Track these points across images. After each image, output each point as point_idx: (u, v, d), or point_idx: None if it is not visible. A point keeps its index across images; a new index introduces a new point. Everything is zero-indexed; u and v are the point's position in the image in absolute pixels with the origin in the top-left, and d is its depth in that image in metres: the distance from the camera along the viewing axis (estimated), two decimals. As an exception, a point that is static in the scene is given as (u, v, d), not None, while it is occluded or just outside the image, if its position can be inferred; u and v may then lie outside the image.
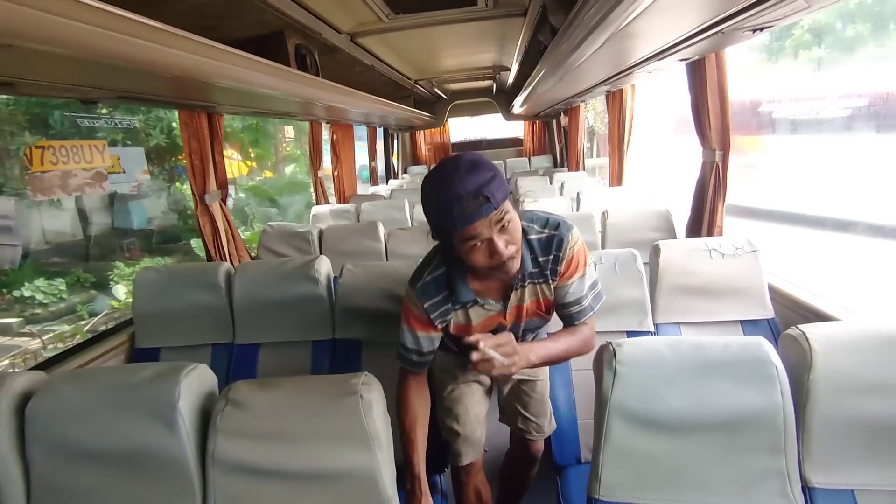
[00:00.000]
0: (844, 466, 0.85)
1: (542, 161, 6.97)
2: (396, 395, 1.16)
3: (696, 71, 1.98)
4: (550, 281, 1.10)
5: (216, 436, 0.90)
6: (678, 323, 1.63)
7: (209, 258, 2.35)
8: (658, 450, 0.88)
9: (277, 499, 0.89)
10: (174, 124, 7.18)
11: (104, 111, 6.63)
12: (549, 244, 1.07)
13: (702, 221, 2.14)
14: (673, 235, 2.32)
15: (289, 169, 8.78)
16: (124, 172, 7.30)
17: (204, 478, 0.91)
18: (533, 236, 1.07)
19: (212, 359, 1.73)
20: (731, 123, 2.00)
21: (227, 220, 2.42)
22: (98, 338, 1.76)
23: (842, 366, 0.84)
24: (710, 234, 2.10)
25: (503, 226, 0.94)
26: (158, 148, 7.66)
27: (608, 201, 2.88)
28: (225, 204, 2.43)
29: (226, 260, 2.37)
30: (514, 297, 1.11)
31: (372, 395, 0.90)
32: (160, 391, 0.92)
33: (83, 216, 7.62)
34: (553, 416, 1.49)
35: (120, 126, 7.10)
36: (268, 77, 1.51)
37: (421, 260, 1.18)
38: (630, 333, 1.61)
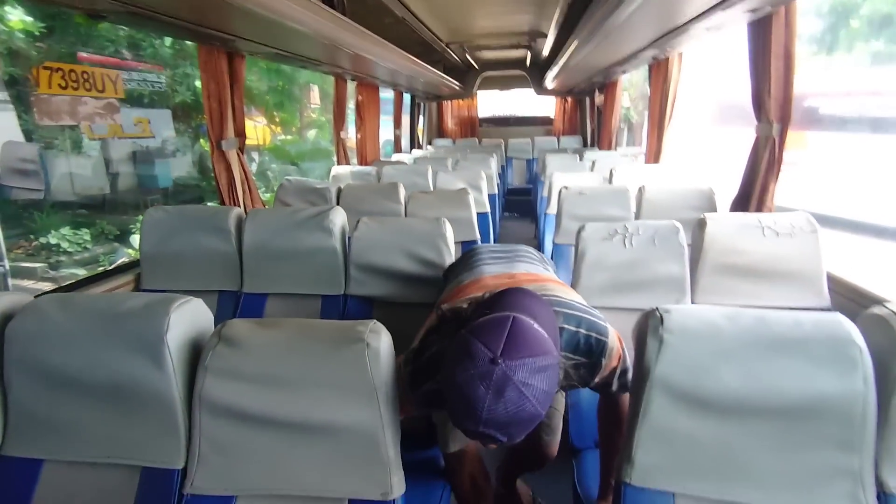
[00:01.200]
0: None
1: (572, 142, 6.72)
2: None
3: (760, 31, 1.78)
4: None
5: (205, 374, 0.81)
6: (719, 305, 1.48)
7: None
8: (705, 433, 0.76)
9: (267, 447, 0.80)
10: (199, 82, 7.13)
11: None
12: (578, 368, 0.93)
13: (750, 200, 1.97)
14: (714, 215, 2.15)
15: (311, 134, 8.68)
16: (154, 137, 7.33)
17: (190, 418, 0.83)
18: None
19: (218, 306, 1.65)
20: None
21: (244, 170, 2.33)
22: (102, 276, 1.70)
23: None
24: (758, 215, 1.92)
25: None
26: (184, 105, 7.63)
27: (644, 178, 2.70)
28: (242, 153, 2.33)
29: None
30: None
31: (380, 345, 0.80)
32: (148, 322, 0.83)
33: (111, 171, 7.70)
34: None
35: (149, 86, 7.08)
36: (291, 5, 1.38)
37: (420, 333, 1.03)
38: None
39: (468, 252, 1.36)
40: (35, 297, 0.98)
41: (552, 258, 2.24)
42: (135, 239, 6.96)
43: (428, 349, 0.93)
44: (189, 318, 0.87)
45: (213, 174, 2.23)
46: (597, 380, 0.98)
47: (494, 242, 3.50)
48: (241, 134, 2.31)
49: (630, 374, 0.94)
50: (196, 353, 0.85)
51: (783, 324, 0.76)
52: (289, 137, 9.08)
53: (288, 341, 0.83)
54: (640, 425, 0.79)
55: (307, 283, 1.61)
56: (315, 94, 9.09)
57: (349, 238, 1.64)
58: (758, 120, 1.93)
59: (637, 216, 2.22)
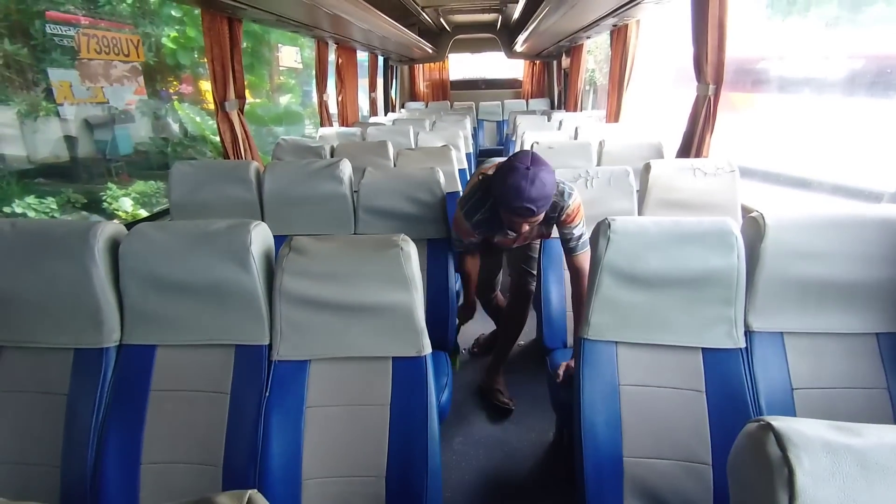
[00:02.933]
0: (777, 315, 1.10)
1: (540, 104, 7.00)
2: (458, 263, 1.85)
3: (700, 3, 2.10)
4: (552, 224, 1.66)
5: (282, 273, 1.10)
6: None
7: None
8: (637, 300, 1.12)
9: (331, 323, 1.11)
10: (164, 40, 6.94)
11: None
12: (555, 206, 1.57)
13: (690, 150, 2.34)
14: (663, 165, 2.51)
15: (284, 99, 8.60)
16: (108, 103, 7.09)
17: (271, 308, 1.12)
18: None
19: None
20: (726, 80, 2.16)
21: (245, 128, 2.53)
22: (137, 222, 1.92)
23: (787, 238, 1.07)
24: (696, 162, 2.29)
25: (533, 221, 1.46)
26: (146, 67, 7.40)
27: (605, 135, 3.04)
28: (243, 113, 2.53)
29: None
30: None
31: (410, 249, 1.11)
32: (234, 237, 1.11)
33: (69, 139, 7.46)
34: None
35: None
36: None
37: (466, 188, 1.72)
38: None
39: (481, 164, 2.10)
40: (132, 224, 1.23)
41: None
42: (123, 201, 6.88)
43: (474, 195, 1.61)
44: (262, 235, 1.15)
45: (218, 132, 2.42)
46: (562, 218, 1.58)
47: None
48: (241, 96, 2.50)
49: (584, 240, 1.60)
50: (268, 261, 1.14)
51: (690, 224, 1.12)
52: (258, 101, 8.95)
53: (342, 249, 1.13)
54: (594, 297, 1.13)
55: (322, 225, 1.89)
56: (286, 55, 8.94)
57: (356, 187, 1.91)
58: (697, 81, 2.27)
59: (598, 166, 2.56)
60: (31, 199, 6.77)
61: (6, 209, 6.60)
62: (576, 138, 3.22)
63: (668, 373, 1.12)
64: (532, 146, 2.59)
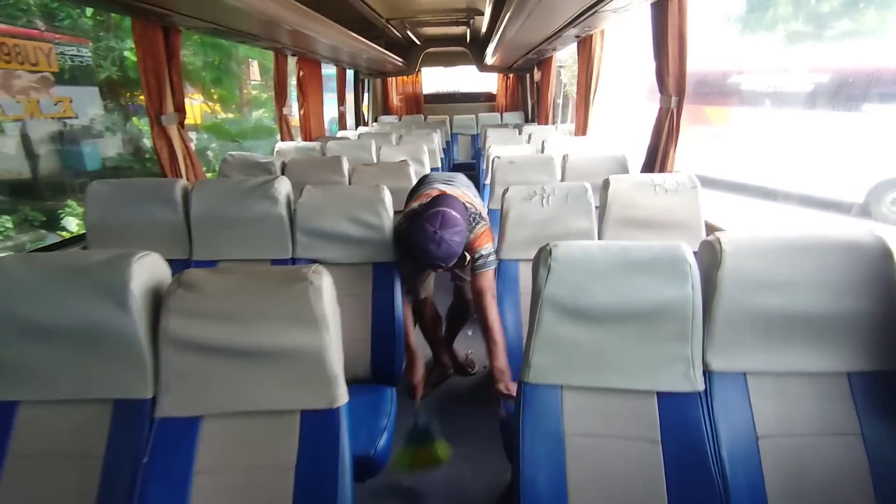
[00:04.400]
0: (739, 353, 0.97)
1: (514, 117, 6.95)
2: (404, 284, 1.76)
3: (659, 14, 2.02)
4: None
5: (168, 315, 0.94)
6: None
7: (166, 182, 2.30)
8: (583, 337, 0.98)
9: (227, 372, 0.95)
10: (127, 53, 6.73)
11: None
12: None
13: (654, 164, 2.24)
14: (627, 180, 2.42)
15: (256, 114, 8.43)
16: (76, 117, 6.84)
17: (156, 355, 0.96)
18: None
19: (171, 273, 1.74)
20: (699, 94, 2.08)
21: (186, 145, 2.36)
22: (49, 248, 1.73)
23: (746, 265, 0.95)
24: (660, 177, 2.20)
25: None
26: (110, 81, 7.18)
27: (571, 148, 2.95)
28: (183, 128, 2.36)
29: (184, 185, 2.33)
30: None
31: (322, 283, 0.95)
32: (112, 272, 0.94)
33: (30, 154, 7.16)
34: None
35: (69, 60, 6.58)
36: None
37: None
38: None
39: (426, 176, 2.15)
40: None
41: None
42: (68, 223, 6.57)
43: (399, 228, 1.71)
44: (149, 268, 0.98)
45: (154, 152, 2.24)
46: (471, 238, 1.66)
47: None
48: (180, 109, 2.33)
49: (491, 259, 1.69)
50: (156, 299, 0.98)
51: (640, 249, 0.99)
52: (230, 115, 8.75)
53: (241, 283, 0.97)
54: (535, 336, 0.99)
55: (256, 249, 1.72)
56: (255, 69, 8.78)
57: (294, 206, 1.76)
58: (661, 93, 2.19)
59: (562, 181, 2.45)
60: (-15, 218, 6.43)
61: (-41, 229, 6.24)
62: (542, 151, 3.13)
63: (620, 421, 0.98)
64: (493, 161, 2.47)
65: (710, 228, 1.73)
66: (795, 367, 0.96)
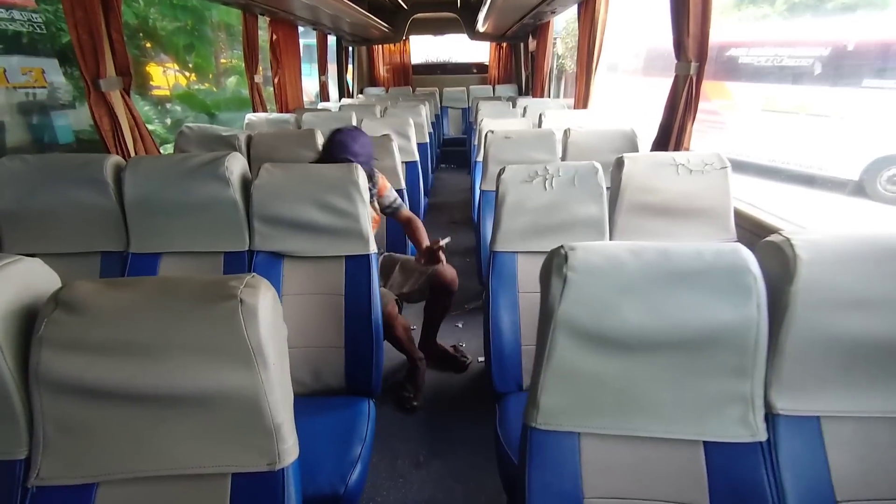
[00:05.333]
0: (814, 391, 0.74)
1: (507, 90, 6.61)
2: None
3: (682, -36, 1.73)
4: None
5: (40, 348, 0.68)
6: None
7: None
8: (608, 371, 0.74)
9: (128, 424, 0.70)
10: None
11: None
12: (371, 177, 1.86)
13: (669, 140, 1.99)
14: (636, 158, 2.16)
15: (230, 81, 7.91)
16: (47, 87, 6.36)
17: (29, 400, 0.70)
18: None
19: (102, 270, 1.46)
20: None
21: (133, 115, 2.04)
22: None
23: (829, 277, 0.71)
24: (676, 154, 1.95)
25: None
26: (72, 48, 6.64)
27: (571, 123, 2.67)
28: (129, 95, 2.04)
29: (130, 161, 2.02)
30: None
31: (257, 301, 0.69)
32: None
33: (-1, 126, 6.67)
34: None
35: (19, 26, 6.03)
36: None
37: None
38: None
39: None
40: None
41: (479, 206, 2.19)
42: None
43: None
44: (19, 282, 0.72)
45: (92, 119, 1.93)
46: (376, 192, 1.94)
47: (426, 193, 3.40)
48: (124, 72, 2.00)
49: (399, 201, 2.03)
50: (32, 324, 0.71)
51: (685, 256, 0.74)
52: (205, 86, 8.24)
53: (145, 301, 0.70)
54: (544, 369, 0.75)
55: (206, 240, 1.45)
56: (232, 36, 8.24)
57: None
58: (677, 59, 1.91)
59: (563, 160, 2.19)
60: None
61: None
62: (539, 126, 2.85)
63: (656, 479, 0.75)
64: (486, 135, 2.19)
65: (739, 216, 1.49)
66: (886, 409, 0.74)
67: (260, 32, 3.63)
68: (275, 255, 1.46)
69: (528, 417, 0.78)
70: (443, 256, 1.82)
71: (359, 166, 1.47)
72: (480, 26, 4.83)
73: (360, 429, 1.27)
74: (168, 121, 7.02)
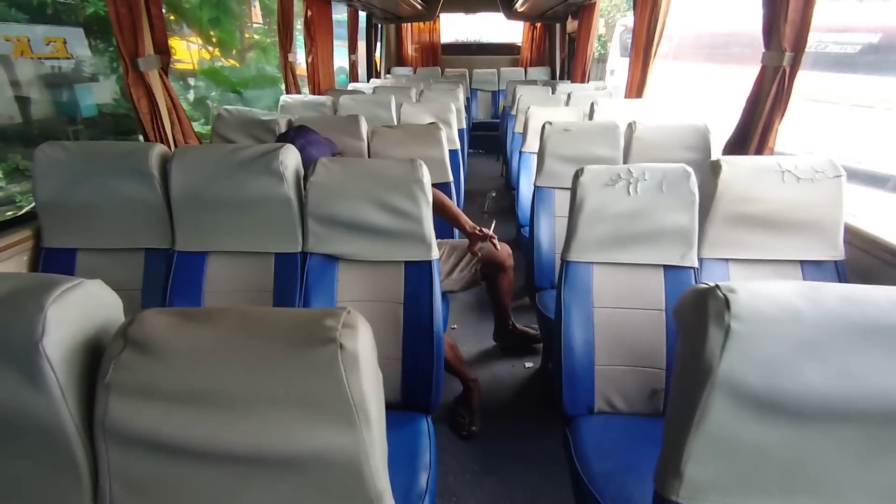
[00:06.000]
0: None
1: (540, 73, 6.35)
2: None
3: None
4: None
5: (108, 395, 0.57)
6: (726, 259, 1.35)
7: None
8: (774, 442, 0.61)
9: (208, 487, 0.59)
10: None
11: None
12: None
13: (748, 140, 1.81)
14: (709, 156, 1.99)
15: (250, 56, 7.74)
16: (71, 58, 6.31)
17: (94, 453, 0.60)
18: None
19: (146, 268, 1.37)
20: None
21: (171, 96, 1.93)
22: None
23: None
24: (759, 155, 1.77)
25: None
26: (99, 19, 6.55)
27: (627, 114, 2.49)
28: (167, 75, 1.92)
29: (167, 146, 1.91)
30: None
31: (357, 344, 0.58)
32: (15, 322, 0.56)
33: (22, 97, 6.65)
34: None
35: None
36: None
37: None
38: (667, 268, 1.32)
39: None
40: None
41: (534, 203, 2.05)
42: None
43: None
44: (79, 311, 0.61)
45: (129, 100, 1.82)
46: None
47: (463, 182, 3.26)
48: (163, 50, 1.88)
49: None
50: (96, 360, 0.61)
51: (877, 303, 0.60)
52: (230, 62, 8.09)
53: (227, 341, 0.59)
54: (692, 435, 0.62)
55: (255, 239, 1.34)
56: (257, 10, 8.07)
57: (305, 184, 1.36)
58: (766, 48, 1.72)
59: (626, 157, 2.03)
60: (-29, 166, 6.02)
61: (-57, 177, 5.85)
62: (590, 117, 2.66)
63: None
64: (544, 127, 2.03)
65: (849, 232, 1.33)
66: None
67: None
68: (329, 257, 1.35)
69: (666, 488, 0.65)
70: (496, 243, 1.79)
71: (422, 163, 1.34)
72: (520, 5, 4.59)
73: (423, 454, 1.17)
74: (191, 96, 6.92)
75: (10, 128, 6.60)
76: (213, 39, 7.64)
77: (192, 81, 7.21)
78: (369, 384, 0.58)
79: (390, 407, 1.34)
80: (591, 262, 1.34)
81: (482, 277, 1.93)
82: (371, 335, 0.62)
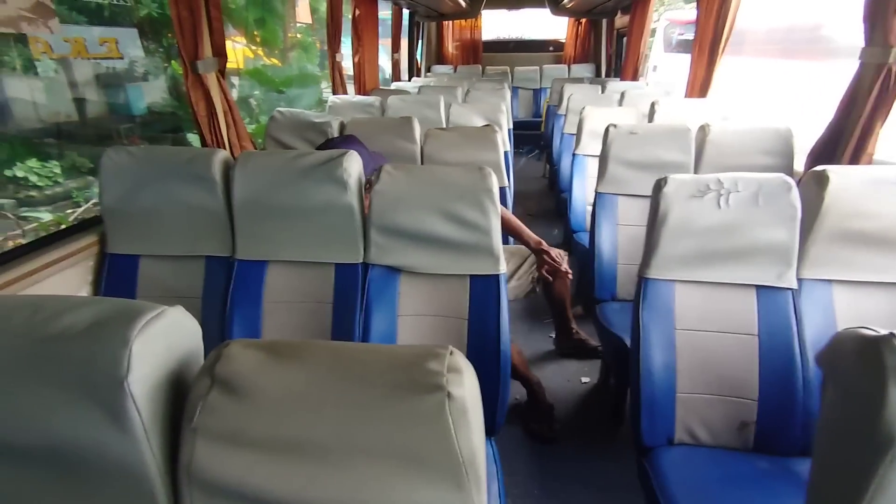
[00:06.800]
0: None
1: (584, 70, 6.15)
2: None
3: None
4: None
5: (194, 439, 0.52)
6: (829, 280, 1.21)
7: (204, 146, 1.88)
8: None
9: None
10: (167, -8, 6.27)
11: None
12: None
13: (839, 143, 1.64)
14: (790, 163, 1.83)
15: (293, 55, 7.84)
16: (122, 58, 6.59)
17: (176, 499, 0.55)
18: None
19: (206, 274, 1.34)
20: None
21: (227, 99, 1.92)
22: (59, 235, 1.36)
23: None
24: (854, 164, 1.61)
25: None
26: (151, 21, 6.77)
27: (691, 116, 2.33)
28: (224, 77, 1.91)
29: (224, 149, 1.90)
30: None
31: (465, 392, 0.50)
32: (99, 356, 0.52)
33: (78, 98, 6.95)
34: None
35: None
36: None
37: None
38: (761, 288, 1.20)
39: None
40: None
41: (595, 211, 1.94)
42: None
43: None
44: (163, 343, 0.56)
45: (188, 103, 1.81)
46: None
47: (512, 184, 3.17)
48: (221, 53, 1.87)
49: None
50: (179, 396, 0.56)
51: None
52: (273, 61, 8.23)
53: (320, 383, 0.53)
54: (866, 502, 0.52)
55: (316, 249, 1.29)
56: (303, 9, 8.16)
57: (367, 191, 1.31)
58: (867, 43, 1.55)
59: (697, 163, 1.89)
60: (32, 162, 6.32)
61: (7, 172, 6.17)
62: (651, 119, 2.52)
63: None
64: (608, 130, 1.91)
65: None
66: None
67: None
68: (391, 269, 1.29)
69: None
70: (565, 269, 1.74)
71: (491, 171, 1.26)
72: (567, 1, 4.44)
73: (492, 484, 1.09)
74: (234, 96, 7.09)
75: (67, 126, 6.92)
76: (258, 39, 7.80)
77: (235, 80, 7.38)
78: (478, 438, 0.51)
79: (452, 427, 1.28)
80: (674, 280, 1.23)
81: (538, 282, 1.85)
82: (476, 380, 0.54)
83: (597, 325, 1.81)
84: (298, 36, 8.45)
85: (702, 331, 1.22)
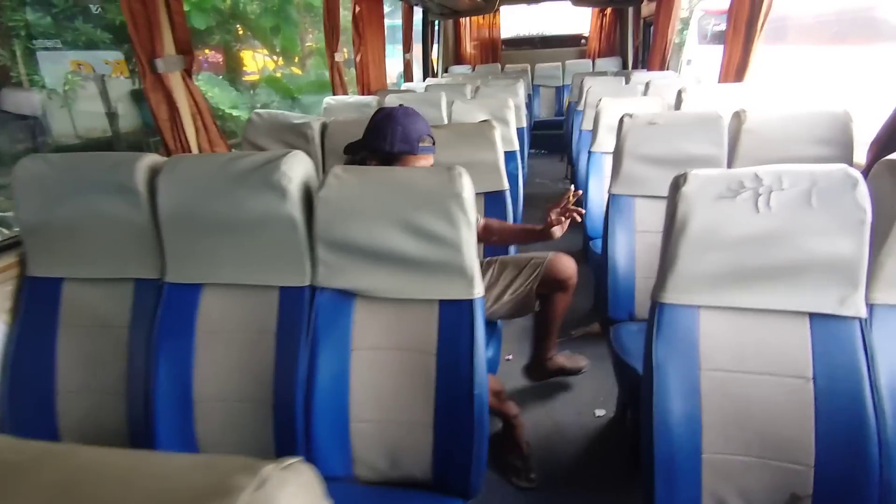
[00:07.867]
0: None
1: (610, 64, 5.81)
2: None
3: None
4: None
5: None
6: None
7: (168, 155, 1.71)
8: None
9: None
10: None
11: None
12: None
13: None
14: (849, 155, 1.50)
15: (310, 62, 7.82)
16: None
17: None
18: None
19: (134, 301, 1.15)
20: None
21: (196, 101, 1.75)
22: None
23: None
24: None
25: None
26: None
27: (726, 104, 2.01)
28: (190, 77, 1.74)
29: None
30: None
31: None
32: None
33: (112, 113, 7.15)
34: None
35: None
36: None
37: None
38: (817, 317, 0.91)
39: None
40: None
41: (608, 216, 1.66)
42: None
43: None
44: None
45: (148, 106, 1.65)
46: None
47: (522, 187, 2.90)
48: (185, 51, 1.70)
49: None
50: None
51: None
52: (293, 69, 8.25)
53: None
54: None
55: (258, 270, 1.08)
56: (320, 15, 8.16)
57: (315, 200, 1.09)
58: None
59: (731, 156, 1.59)
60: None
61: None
62: (677, 107, 2.21)
63: None
64: (622, 121, 1.64)
65: None
66: None
67: (343, 12, 3.29)
68: (344, 293, 1.06)
69: None
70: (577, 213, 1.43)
71: (463, 171, 1.02)
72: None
73: None
74: (257, 106, 7.10)
75: (102, 140, 7.11)
76: (277, 49, 7.82)
77: (255, 91, 7.41)
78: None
79: (418, 485, 1.04)
80: (698, 306, 0.95)
81: (538, 298, 1.59)
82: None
83: (610, 351, 1.53)
84: (316, 43, 8.45)
85: (736, 371, 0.93)
